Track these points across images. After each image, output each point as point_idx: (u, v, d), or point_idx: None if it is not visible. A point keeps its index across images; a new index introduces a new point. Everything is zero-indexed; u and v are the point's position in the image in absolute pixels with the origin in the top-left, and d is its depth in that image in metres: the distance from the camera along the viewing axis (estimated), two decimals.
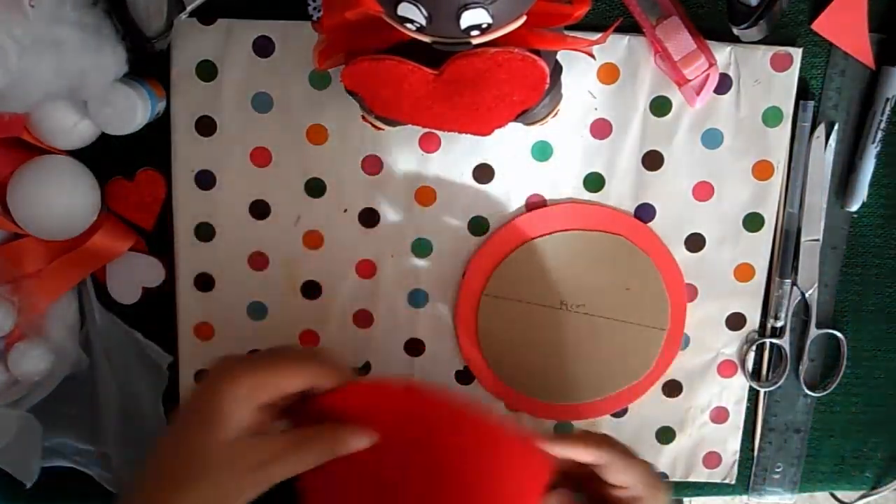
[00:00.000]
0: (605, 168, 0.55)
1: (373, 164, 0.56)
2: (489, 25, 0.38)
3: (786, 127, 0.55)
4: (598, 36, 0.45)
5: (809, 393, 0.60)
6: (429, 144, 0.55)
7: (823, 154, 0.56)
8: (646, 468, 0.49)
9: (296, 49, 0.53)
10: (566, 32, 0.46)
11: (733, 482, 0.62)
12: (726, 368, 0.59)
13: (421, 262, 0.57)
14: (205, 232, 0.57)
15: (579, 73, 0.53)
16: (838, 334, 0.59)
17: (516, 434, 0.47)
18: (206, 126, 0.55)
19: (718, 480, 0.61)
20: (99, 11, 0.47)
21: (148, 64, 0.52)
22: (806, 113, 0.55)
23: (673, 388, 0.60)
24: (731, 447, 0.61)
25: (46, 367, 0.55)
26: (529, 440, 0.46)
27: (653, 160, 0.55)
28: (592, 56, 0.51)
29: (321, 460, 0.44)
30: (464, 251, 0.57)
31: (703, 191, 0.56)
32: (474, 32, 0.38)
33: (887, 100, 0.54)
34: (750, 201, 0.56)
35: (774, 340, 0.59)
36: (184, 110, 0.54)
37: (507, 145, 0.55)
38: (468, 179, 0.56)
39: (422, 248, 0.57)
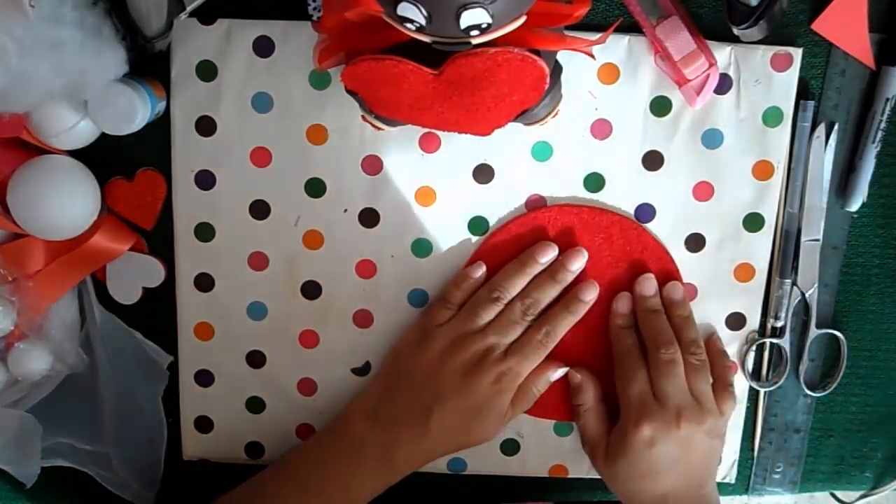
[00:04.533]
0: (605, 168, 0.55)
1: (373, 164, 0.56)
2: (489, 25, 0.38)
3: (786, 127, 0.55)
4: (598, 36, 0.45)
5: (809, 393, 0.60)
6: (429, 144, 0.55)
7: (823, 154, 0.55)
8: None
9: (296, 49, 0.53)
10: (566, 32, 0.46)
11: (733, 482, 0.62)
12: None
13: (421, 262, 0.57)
14: (205, 232, 0.57)
15: (579, 73, 0.53)
16: (838, 334, 0.59)
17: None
18: (206, 126, 0.55)
19: (718, 480, 0.61)
20: (99, 11, 0.47)
21: (148, 64, 0.52)
22: (806, 113, 0.55)
23: None
24: (730, 447, 0.61)
25: (46, 367, 0.55)
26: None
27: (653, 160, 0.55)
28: (592, 56, 0.51)
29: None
30: (464, 251, 0.57)
31: (703, 191, 0.56)
32: (474, 32, 0.38)
33: (887, 100, 0.54)
34: (750, 201, 0.56)
35: (774, 340, 0.59)
36: (184, 110, 0.54)
37: (507, 145, 0.55)
38: (468, 179, 0.56)
39: (422, 248, 0.57)
